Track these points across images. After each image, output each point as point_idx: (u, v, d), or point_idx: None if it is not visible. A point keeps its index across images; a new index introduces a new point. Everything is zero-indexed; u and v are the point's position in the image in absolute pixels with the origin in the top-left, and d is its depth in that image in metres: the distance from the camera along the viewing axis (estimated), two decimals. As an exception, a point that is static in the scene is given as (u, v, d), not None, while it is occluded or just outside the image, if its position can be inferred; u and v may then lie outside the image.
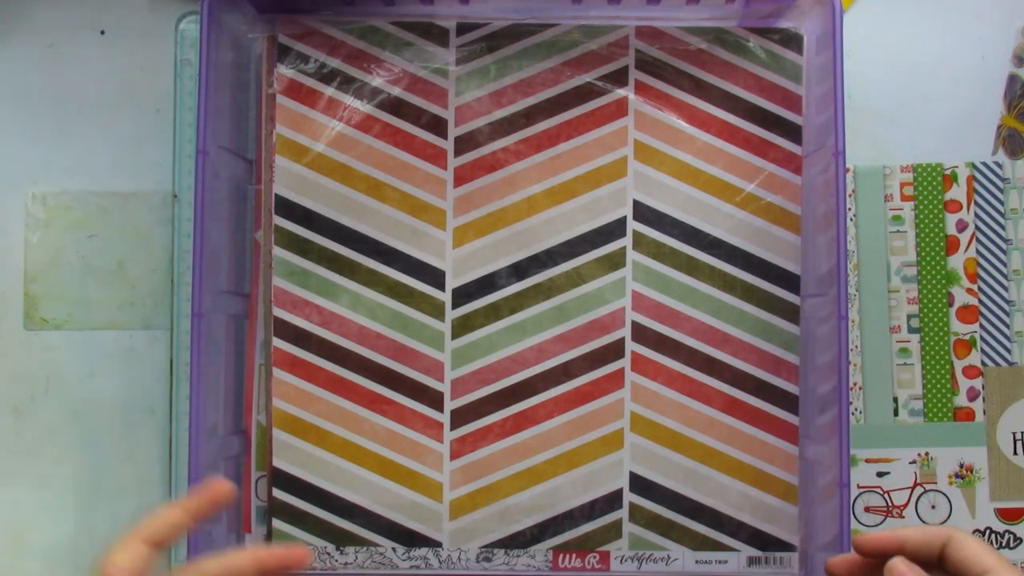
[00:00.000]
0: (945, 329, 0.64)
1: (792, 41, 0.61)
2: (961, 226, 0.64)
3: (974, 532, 0.63)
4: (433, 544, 0.60)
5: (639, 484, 0.60)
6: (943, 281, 0.64)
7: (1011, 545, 0.63)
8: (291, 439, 0.60)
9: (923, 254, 0.64)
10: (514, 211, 0.61)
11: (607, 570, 0.61)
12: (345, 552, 0.60)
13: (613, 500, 0.60)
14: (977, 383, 0.64)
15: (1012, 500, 0.63)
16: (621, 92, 0.61)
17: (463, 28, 0.61)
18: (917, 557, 0.45)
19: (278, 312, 0.60)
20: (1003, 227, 0.64)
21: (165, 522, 0.47)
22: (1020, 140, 0.65)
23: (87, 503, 0.64)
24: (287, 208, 0.61)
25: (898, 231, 0.64)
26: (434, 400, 0.61)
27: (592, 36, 0.61)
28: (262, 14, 0.61)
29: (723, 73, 0.61)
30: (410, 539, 0.60)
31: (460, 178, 0.61)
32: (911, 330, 0.64)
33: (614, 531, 0.60)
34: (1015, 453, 0.63)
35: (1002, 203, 0.64)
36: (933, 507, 0.63)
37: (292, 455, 0.60)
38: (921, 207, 0.64)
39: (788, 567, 0.60)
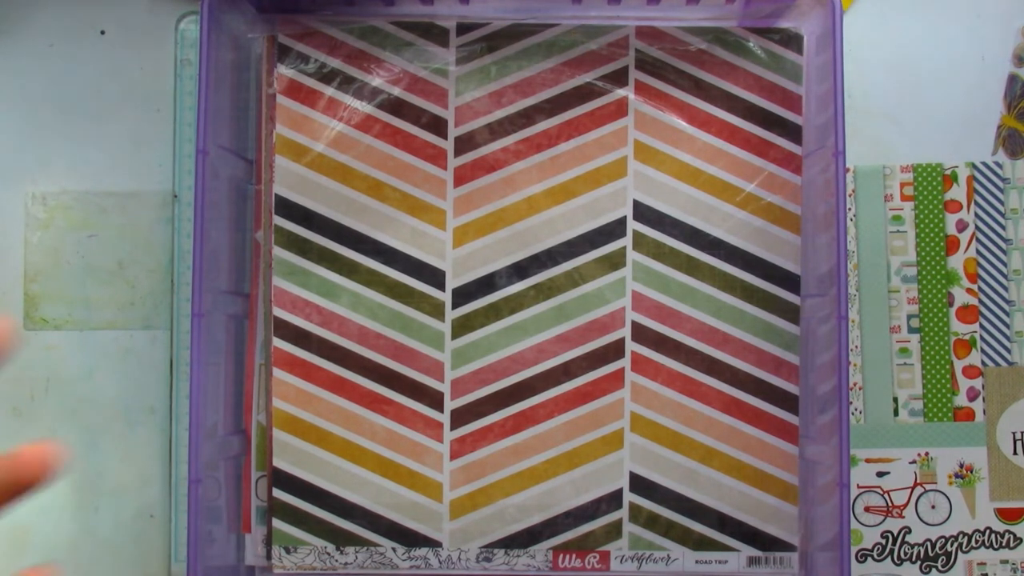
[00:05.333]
0: (945, 329, 0.64)
1: (792, 41, 0.61)
2: (961, 226, 0.64)
3: (974, 532, 0.63)
4: (433, 544, 0.60)
5: (639, 484, 0.60)
6: (943, 281, 0.64)
7: (1011, 545, 0.63)
8: (291, 439, 0.60)
9: (923, 254, 0.64)
10: (514, 211, 0.61)
11: (607, 570, 0.61)
12: (345, 552, 0.60)
13: (613, 500, 0.60)
14: (977, 383, 0.64)
15: (1012, 500, 0.63)
16: (621, 92, 0.61)
17: (463, 28, 0.61)
18: None
19: (278, 312, 0.60)
20: (1003, 227, 0.64)
21: None
22: (1020, 140, 0.65)
23: (87, 503, 0.64)
24: (287, 208, 0.61)
25: (898, 231, 0.64)
26: (434, 400, 0.61)
27: (592, 36, 0.61)
28: (262, 14, 0.61)
29: (723, 73, 0.61)
30: (410, 539, 0.60)
31: (460, 178, 0.61)
32: (911, 330, 0.64)
33: (614, 531, 0.60)
34: (1015, 453, 0.63)
35: (1002, 203, 0.64)
36: (933, 507, 0.63)
37: (292, 455, 0.60)
38: (921, 207, 0.64)
39: (788, 567, 0.60)
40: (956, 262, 0.64)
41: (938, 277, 0.64)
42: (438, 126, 0.61)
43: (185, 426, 0.62)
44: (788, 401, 0.61)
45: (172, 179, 0.64)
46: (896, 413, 0.63)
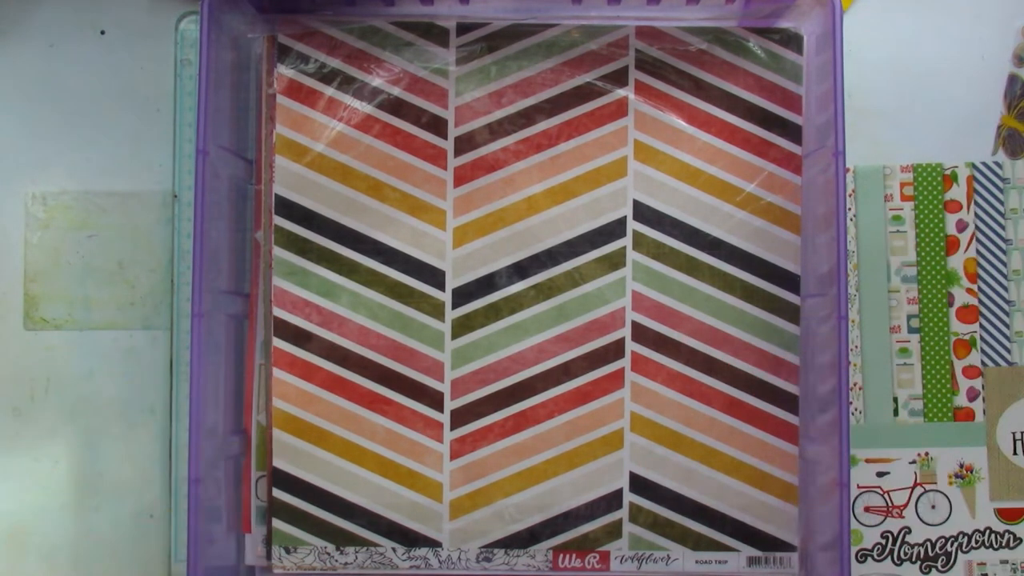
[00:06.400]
0: (945, 329, 0.64)
1: (792, 41, 0.61)
2: (961, 226, 0.64)
3: (974, 532, 0.63)
4: (433, 544, 0.60)
5: (639, 484, 0.60)
6: (943, 281, 0.64)
7: (1011, 545, 0.63)
8: (291, 439, 0.60)
9: (923, 254, 0.64)
10: (514, 211, 0.61)
11: (607, 570, 0.61)
12: (345, 552, 0.60)
13: (613, 500, 0.60)
14: (977, 383, 0.64)
15: (1012, 500, 0.63)
16: (621, 92, 0.61)
17: (463, 28, 0.61)
18: None
19: (278, 312, 0.60)
20: (1003, 227, 0.64)
21: None
22: (1020, 140, 0.65)
23: (87, 503, 0.64)
24: (287, 208, 0.61)
25: (898, 231, 0.64)
26: (434, 400, 0.61)
27: (592, 36, 0.61)
28: (262, 14, 0.61)
29: (723, 73, 0.61)
30: (410, 539, 0.60)
31: (460, 178, 0.61)
32: (911, 330, 0.64)
33: (614, 531, 0.60)
34: (1015, 453, 0.63)
35: (1002, 203, 0.64)
36: (933, 507, 0.63)
37: (292, 455, 0.60)
38: (921, 207, 0.64)
39: (788, 567, 0.60)
40: (956, 262, 0.64)
41: (938, 277, 0.64)
42: (438, 126, 0.61)
43: (185, 426, 0.62)
44: (788, 401, 0.61)
45: (172, 179, 0.64)
46: (896, 413, 0.63)
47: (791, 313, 0.61)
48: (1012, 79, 0.66)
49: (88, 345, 0.64)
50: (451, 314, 0.61)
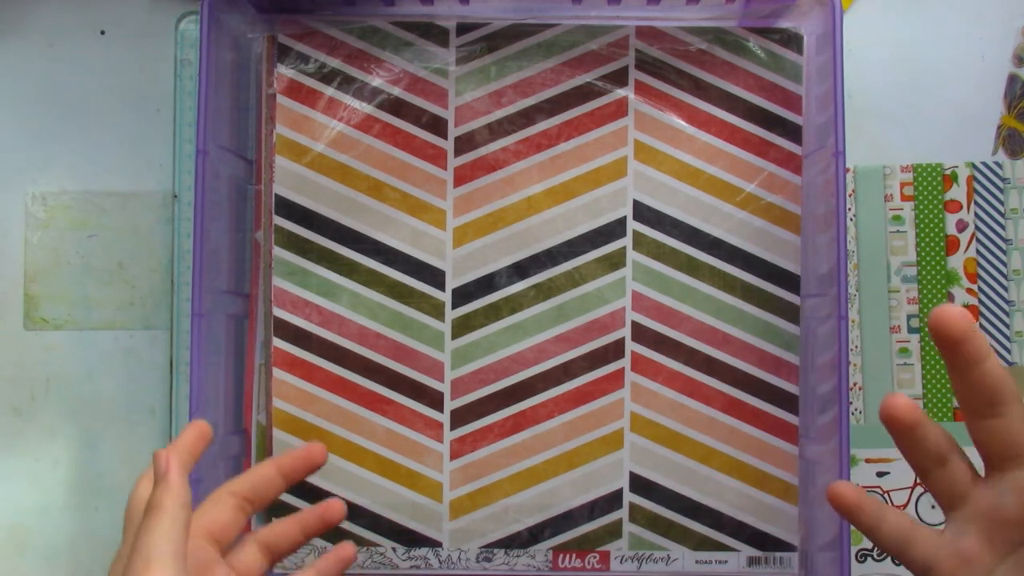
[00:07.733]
0: (945, 329, 0.64)
1: (792, 41, 0.61)
2: (961, 226, 0.64)
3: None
4: (433, 544, 0.60)
5: (639, 484, 0.60)
6: (943, 281, 0.64)
7: (1011, 545, 0.63)
8: (291, 439, 0.60)
9: (923, 254, 0.64)
10: (514, 211, 0.61)
11: (607, 570, 0.61)
12: (345, 552, 0.60)
13: (613, 500, 0.60)
14: (977, 383, 0.63)
15: (1012, 500, 0.63)
16: (621, 92, 0.61)
17: (463, 28, 0.61)
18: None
19: (278, 312, 0.60)
20: (1003, 227, 0.64)
21: (258, 479, 0.43)
22: (1020, 140, 0.65)
23: (87, 503, 0.64)
24: (287, 208, 0.61)
25: (898, 231, 0.64)
26: (434, 400, 0.61)
27: (592, 36, 0.61)
28: (262, 14, 0.61)
29: (723, 73, 0.61)
30: (410, 539, 0.60)
31: (460, 178, 0.61)
32: (911, 330, 0.64)
33: (614, 531, 0.60)
34: (1015, 453, 0.63)
35: (1002, 203, 0.64)
36: (933, 507, 0.63)
37: (292, 455, 0.60)
38: (921, 207, 0.64)
39: (788, 567, 0.60)
40: (956, 262, 0.64)
41: (938, 277, 0.64)
42: (438, 126, 0.61)
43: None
44: (788, 401, 0.61)
45: (172, 179, 0.64)
46: (896, 413, 0.63)
47: (791, 313, 0.61)
48: (1012, 79, 0.66)
49: (88, 345, 0.64)
50: (451, 314, 0.61)
